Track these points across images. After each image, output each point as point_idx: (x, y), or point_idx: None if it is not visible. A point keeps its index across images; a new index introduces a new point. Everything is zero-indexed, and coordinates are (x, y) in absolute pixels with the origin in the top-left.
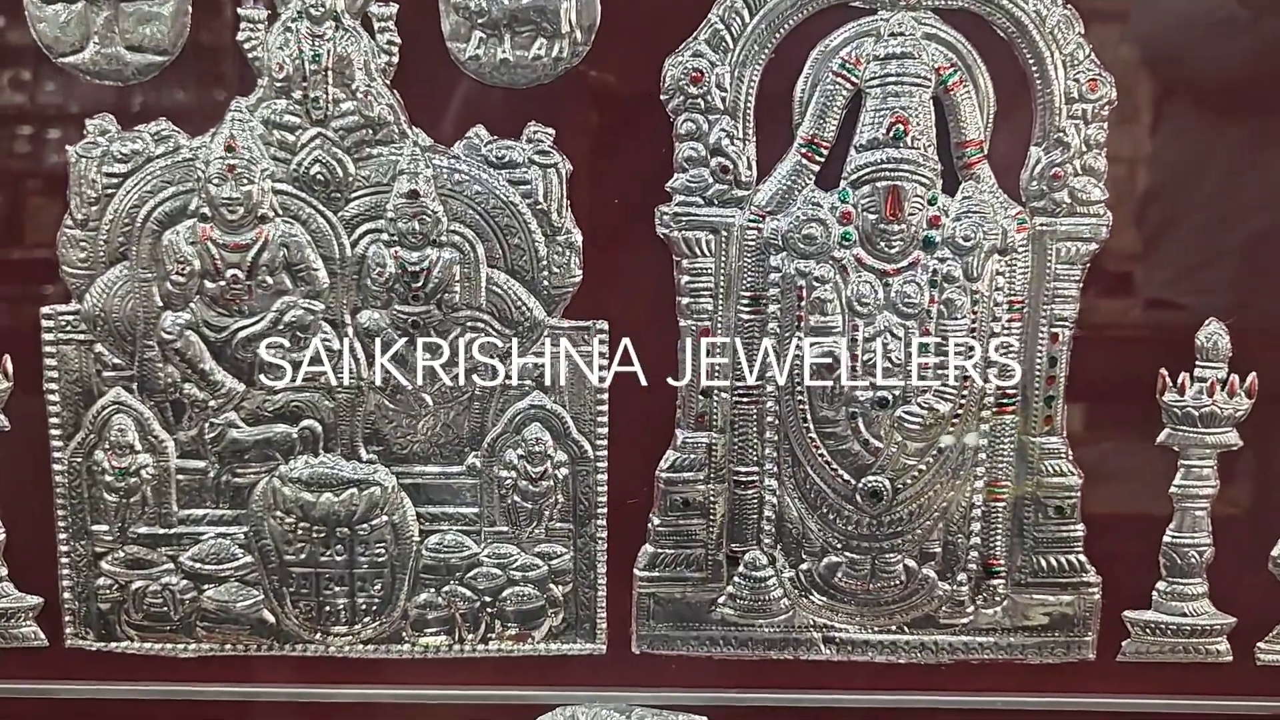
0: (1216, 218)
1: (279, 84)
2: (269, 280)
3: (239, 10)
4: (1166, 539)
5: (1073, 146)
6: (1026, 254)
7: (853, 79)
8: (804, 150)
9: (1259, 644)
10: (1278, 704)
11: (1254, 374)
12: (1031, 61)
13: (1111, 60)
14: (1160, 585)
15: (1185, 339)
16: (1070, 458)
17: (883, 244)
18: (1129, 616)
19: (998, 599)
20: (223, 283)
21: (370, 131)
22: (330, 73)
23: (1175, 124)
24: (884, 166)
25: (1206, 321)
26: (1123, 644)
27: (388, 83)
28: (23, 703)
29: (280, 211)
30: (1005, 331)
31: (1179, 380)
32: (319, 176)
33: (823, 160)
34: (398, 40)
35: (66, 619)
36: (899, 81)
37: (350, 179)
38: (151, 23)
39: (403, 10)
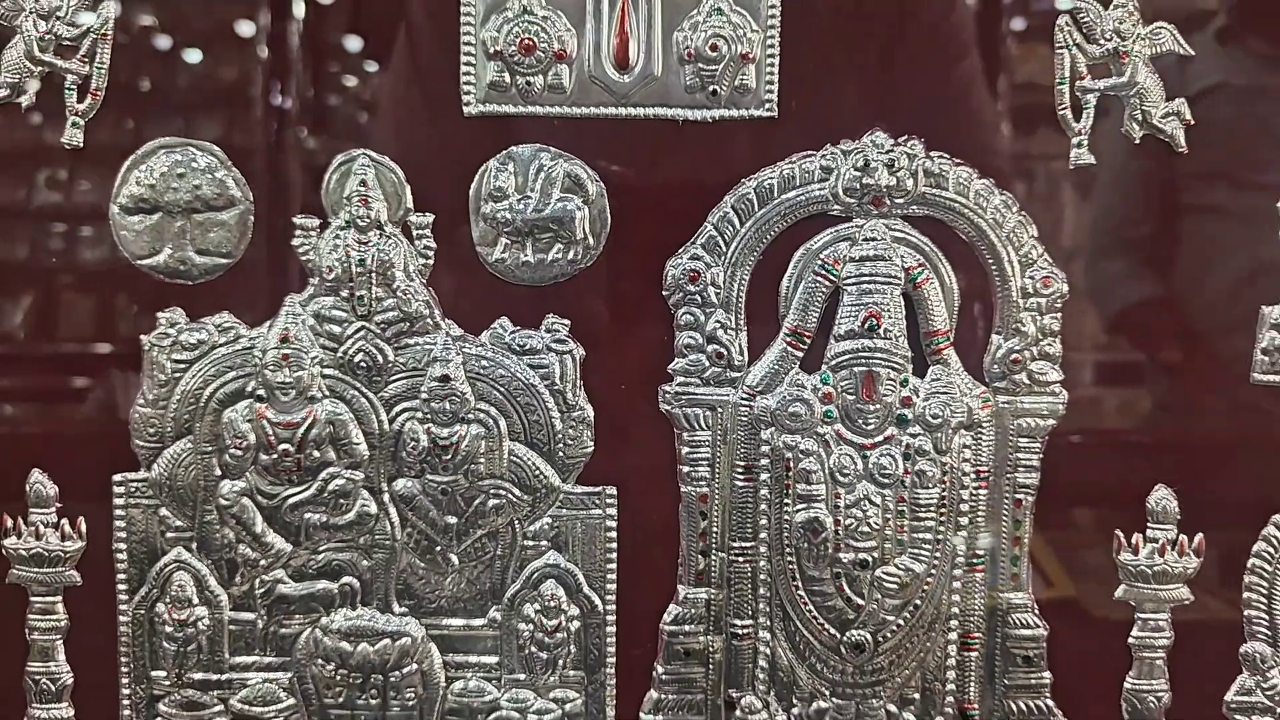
0: None
1: (329, 283)
2: (316, 453)
3: (294, 220)
4: (1128, 685)
5: (1029, 335)
6: (991, 429)
7: (832, 277)
8: (789, 339)
9: None
10: None
11: (1200, 535)
12: (991, 261)
13: None
14: None
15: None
16: (1036, 611)
17: (860, 421)
18: None
19: None
20: (275, 455)
21: (408, 324)
22: (374, 274)
23: None
24: (860, 354)
25: (1156, 487)
26: None
27: (424, 281)
28: None
29: (327, 393)
30: (973, 498)
31: (1133, 541)
32: (362, 363)
33: (806, 348)
34: (433, 245)
35: None
36: (872, 280)
37: (390, 365)
38: (217, 230)
39: (438, 220)
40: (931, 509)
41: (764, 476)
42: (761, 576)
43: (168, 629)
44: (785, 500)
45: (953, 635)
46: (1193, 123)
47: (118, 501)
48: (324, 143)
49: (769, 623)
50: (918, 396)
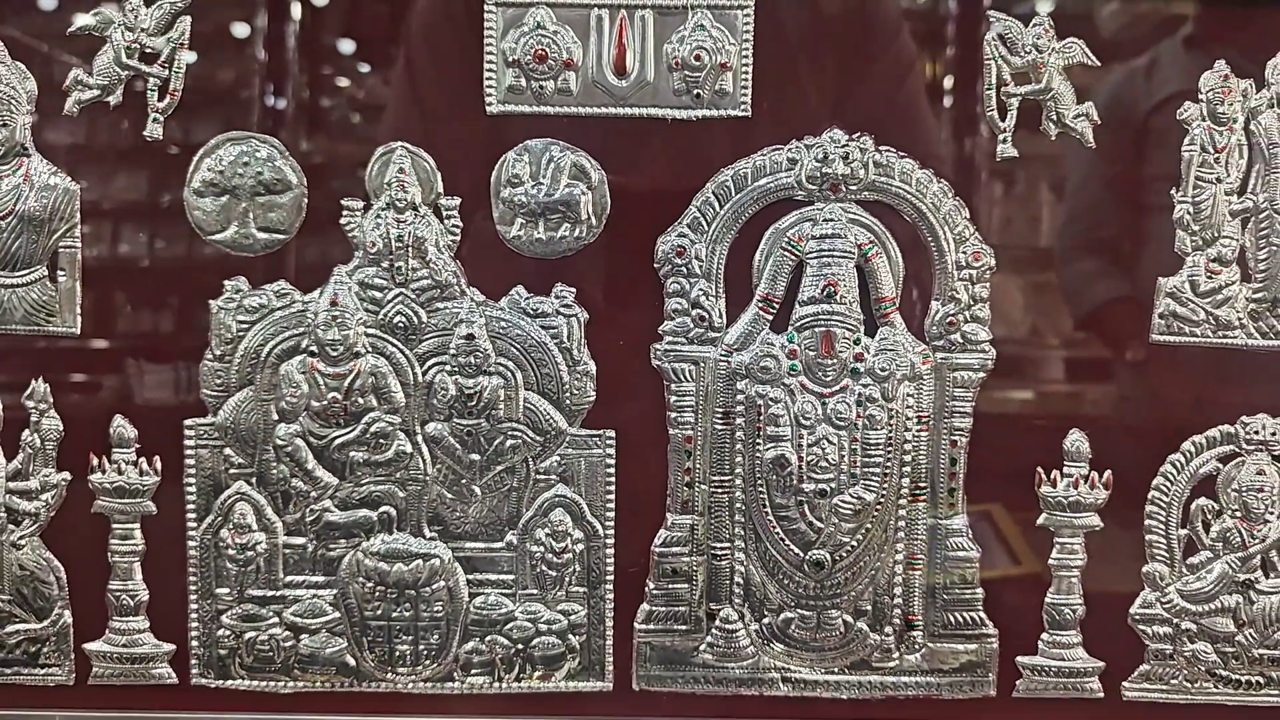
0: None
1: (371, 256)
2: (360, 400)
3: (341, 201)
4: (1048, 600)
5: (963, 301)
6: (930, 380)
7: (796, 252)
8: (760, 305)
9: (1124, 683)
10: None
11: (1109, 471)
12: (930, 239)
13: None
14: (1044, 636)
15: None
16: (970, 535)
17: (820, 373)
18: (1021, 661)
19: (917, 647)
20: (325, 403)
21: (439, 291)
22: (410, 248)
23: None
24: (820, 317)
25: (1070, 431)
26: (1017, 683)
27: (452, 255)
28: None
29: (370, 349)
30: (915, 439)
31: (1051, 476)
32: (400, 323)
33: (774, 312)
34: (460, 224)
35: (192, 662)
36: (830, 254)
37: (423, 325)
38: (276, 210)
39: (464, 202)
40: (880, 447)
41: (739, 421)
42: (737, 505)
43: (230, 552)
44: (757, 440)
45: (899, 556)
46: (1100, 123)
47: (188, 442)
48: (367, 137)
49: (743, 545)
50: (869, 353)
